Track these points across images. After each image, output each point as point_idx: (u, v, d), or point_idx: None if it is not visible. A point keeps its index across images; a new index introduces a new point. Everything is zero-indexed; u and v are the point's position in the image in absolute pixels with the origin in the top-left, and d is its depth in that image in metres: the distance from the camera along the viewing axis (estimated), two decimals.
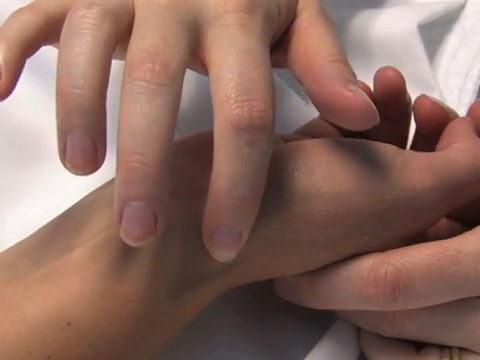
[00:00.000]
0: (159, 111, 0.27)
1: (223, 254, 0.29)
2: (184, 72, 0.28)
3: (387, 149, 0.32)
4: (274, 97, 0.28)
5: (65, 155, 0.27)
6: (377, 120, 0.30)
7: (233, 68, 0.28)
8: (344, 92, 0.29)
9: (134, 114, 0.27)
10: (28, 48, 0.29)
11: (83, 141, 0.27)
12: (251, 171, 0.28)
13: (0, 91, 0.28)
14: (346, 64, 0.31)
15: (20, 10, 0.30)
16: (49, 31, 0.30)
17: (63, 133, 0.27)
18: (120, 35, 0.29)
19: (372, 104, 0.29)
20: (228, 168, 0.27)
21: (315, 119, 0.40)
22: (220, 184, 0.27)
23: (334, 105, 0.29)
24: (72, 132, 0.27)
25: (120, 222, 0.27)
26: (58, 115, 0.27)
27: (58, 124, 0.27)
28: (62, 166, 0.30)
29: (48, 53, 0.32)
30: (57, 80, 0.28)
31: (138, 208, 0.27)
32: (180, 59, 0.28)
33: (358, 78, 0.39)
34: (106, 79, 0.28)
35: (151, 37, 0.28)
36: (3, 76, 0.28)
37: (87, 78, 0.27)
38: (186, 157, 0.32)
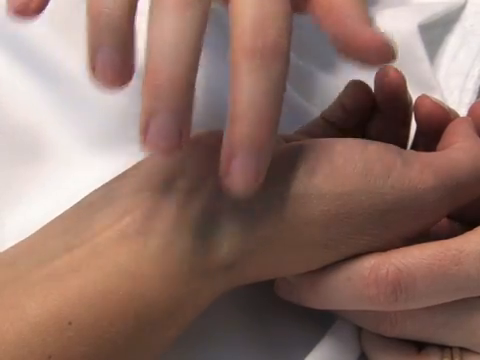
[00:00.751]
0: (188, 26, 0.27)
1: (241, 184, 0.28)
2: None
3: (388, 149, 0.32)
4: (290, 30, 0.29)
5: (95, 71, 0.28)
6: (396, 57, 0.30)
7: (252, 3, 0.28)
8: (365, 30, 0.29)
9: (162, 29, 0.27)
10: None
11: (112, 57, 0.28)
12: (266, 95, 0.28)
13: (34, 7, 0.29)
14: (365, 4, 0.31)
15: None
16: None
17: (93, 51, 0.28)
18: None
19: (391, 41, 0.30)
20: (242, 92, 0.28)
21: (316, 119, 0.40)
22: (237, 110, 0.28)
23: (356, 43, 0.30)
24: (102, 49, 0.28)
25: (146, 136, 0.27)
26: (89, 34, 0.28)
27: (88, 42, 0.28)
28: (61, 165, 0.31)
29: (49, 54, 0.32)
30: (87, 1, 0.28)
31: (163, 121, 0.27)
32: None
33: (359, 78, 0.39)
34: (135, 2, 0.28)
35: None
36: None
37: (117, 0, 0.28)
38: (198, 157, 0.32)
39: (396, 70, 0.38)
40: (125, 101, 0.38)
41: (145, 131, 0.27)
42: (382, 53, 0.30)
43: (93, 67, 0.28)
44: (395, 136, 0.39)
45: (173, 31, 0.27)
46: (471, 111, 0.39)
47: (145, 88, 0.27)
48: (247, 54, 0.28)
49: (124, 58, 0.28)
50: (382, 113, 0.39)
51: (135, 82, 0.37)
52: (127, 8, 0.28)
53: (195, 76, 0.27)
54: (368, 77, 0.39)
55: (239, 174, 0.28)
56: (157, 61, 0.27)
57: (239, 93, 0.28)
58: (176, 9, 0.27)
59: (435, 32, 0.46)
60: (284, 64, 0.28)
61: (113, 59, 0.28)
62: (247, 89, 0.28)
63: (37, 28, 0.38)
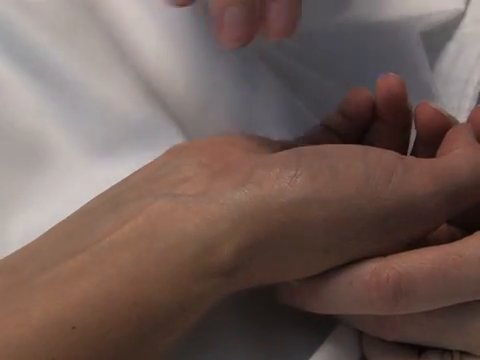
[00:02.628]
0: None
1: (283, 28, 0.31)
2: None
3: (388, 155, 0.32)
4: None
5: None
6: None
7: None
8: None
9: None
10: None
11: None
12: None
13: None
14: None
15: None
16: None
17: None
18: None
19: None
20: None
21: (316, 126, 0.40)
22: None
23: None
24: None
25: (222, 28, 0.30)
26: None
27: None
28: (65, 171, 0.31)
29: (52, 60, 0.32)
30: None
31: (235, 12, 0.29)
32: None
33: (359, 85, 0.39)
34: None
35: None
36: None
37: None
38: (202, 161, 0.32)
39: (397, 77, 0.38)
40: (128, 107, 0.38)
41: (220, 24, 0.30)
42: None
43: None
44: (395, 142, 0.39)
45: None
46: (471, 117, 0.39)
47: None
48: None
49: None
50: (382, 119, 0.39)
51: (137, 86, 0.38)
52: None
53: None
54: (369, 84, 0.39)
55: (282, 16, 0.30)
56: None
57: None
58: None
59: (435, 39, 0.47)
60: None
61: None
62: None
63: (40, 34, 0.38)
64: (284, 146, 0.35)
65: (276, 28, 0.31)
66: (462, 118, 0.43)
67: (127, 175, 0.33)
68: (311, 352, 0.34)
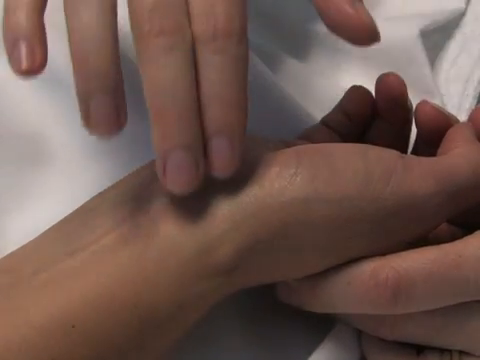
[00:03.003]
0: (177, 67, 0.28)
1: (222, 168, 0.30)
2: None
3: (388, 154, 0.32)
4: (244, 3, 0.29)
5: (89, 121, 0.28)
6: (378, 39, 0.30)
7: None
8: (349, 10, 0.30)
9: (159, 75, 0.28)
10: (43, 9, 0.30)
11: (106, 105, 0.28)
12: (228, 78, 0.29)
13: (38, 64, 0.29)
14: None
15: None
16: None
17: (84, 99, 0.28)
18: None
19: (374, 23, 0.30)
20: (203, 78, 0.29)
21: (316, 125, 0.40)
22: (205, 90, 0.29)
23: (340, 22, 0.30)
24: (94, 97, 0.28)
25: (165, 174, 0.29)
26: (77, 82, 0.28)
27: (78, 91, 0.28)
28: (64, 171, 0.31)
29: (52, 61, 0.32)
30: (71, 49, 0.28)
31: (179, 157, 0.28)
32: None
33: (359, 83, 0.39)
34: (117, 42, 0.29)
35: None
36: (36, 47, 0.29)
37: (100, 44, 0.28)
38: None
39: (396, 76, 0.38)
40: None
41: (162, 169, 0.29)
42: (365, 34, 0.30)
43: (87, 117, 0.28)
44: (395, 141, 0.39)
45: (165, 75, 0.28)
46: (471, 117, 0.39)
47: (156, 129, 0.28)
48: (199, 39, 0.28)
49: (118, 103, 0.28)
50: (382, 118, 0.39)
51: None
52: (112, 51, 0.28)
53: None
54: (369, 83, 0.39)
55: (221, 157, 0.29)
56: (158, 101, 0.28)
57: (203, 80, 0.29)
58: (164, 54, 0.28)
59: (435, 38, 0.46)
60: (239, 41, 0.29)
61: (107, 106, 0.28)
62: (210, 74, 0.29)
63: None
64: (284, 145, 0.35)
65: (217, 166, 0.30)
66: (463, 117, 0.43)
67: (126, 175, 0.33)
68: (311, 351, 0.35)
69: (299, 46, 0.45)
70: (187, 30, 0.28)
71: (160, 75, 0.28)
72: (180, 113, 0.28)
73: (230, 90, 0.29)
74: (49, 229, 0.32)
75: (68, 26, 0.28)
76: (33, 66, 0.29)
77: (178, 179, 0.29)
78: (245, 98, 0.29)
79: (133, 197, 0.31)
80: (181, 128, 0.28)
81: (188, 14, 0.29)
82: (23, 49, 0.28)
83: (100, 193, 0.33)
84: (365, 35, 0.30)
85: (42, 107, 0.38)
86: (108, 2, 0.28)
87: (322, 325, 0.35)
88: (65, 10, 0.29)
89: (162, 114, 0.28)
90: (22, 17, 0.29)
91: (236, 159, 0.30)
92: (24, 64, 0.28)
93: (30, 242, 0.32)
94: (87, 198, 0.33)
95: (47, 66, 0.33)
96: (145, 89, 0.28)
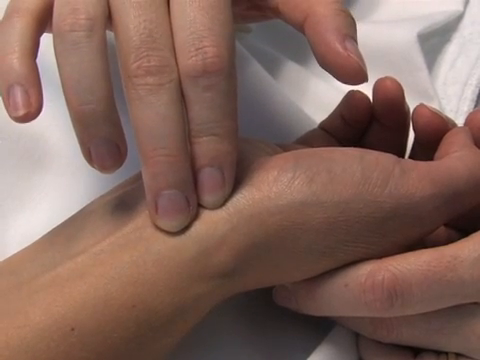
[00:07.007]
0: (165, 105, 0.29)
1: (211, 193, 0.30)
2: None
3: (386, 158, 0.32)
4: (232, 36, 0.30)
5: (92, 163, 0.30)
6: (366, 79, 0.31)
7: (185, 15, 0.29)
8: (339, 49, 0.30)
9: (147, 115, 0.29)
10: (35, 52, 0.30)
11: (107, 148, 0.29)
12: (218, 114, 0.30)
13: (35, 109, 0.29)
14: (347, 15, 0.32)
15: (6, 19, 0.30)
16: (42, 27, 0.31)
17: (85, 145, 0.29)
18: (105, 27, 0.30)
19: (363, 64, 0.31)
20: (194, 113, 0.29)
21: (314, 129, 0.40)
22: (195, 127, 0.30)
23: (330, 60, 0.31)
24: (94, 142, 0.29)
25: (157, 212, 0.30)
26: (77, 131, 0.29)
27: (79, 139, 0.29)
28: (65, 173, 0.31)
29: (48, 60, 0.32)
30: (66, 99, 0.29)
31: (171, 196, 0.29)
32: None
33: (357, 88, 0.39)
34: (111, 86, 0.29)
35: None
36: (31, 92, 0.29)
37: (95, 92, 0.28)
38: None
39: (394, 80, 0.38)
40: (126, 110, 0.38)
41: (154, 208, 0.30)
42: (353, 74, 0.31)
43: (90, 160, 0.29)
44: (393, 145, 0.39)
45: (156, 115, 0.29)
46: (468, 120, 0.38)
47: (146, 170, 0.29)
48: (189, 75, 0.29)
49: (117, 144, 0.29)
50: (380, 122, 0.39)
51: None
52: (108, 98, 0.29)
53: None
54: (367, 87, 0.39)
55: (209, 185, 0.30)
56: (149, 142, 0.29)
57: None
58: (153, 93, 0.29)
59: (434, 41, 0.46)
60: (228, 75, 0.29)
61: (107, 150, 0.29)
62: (199, 111, 0.29)
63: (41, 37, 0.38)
64: (282, 149, 0.35)
65: (208, 201, 0.31)
66: (460, 121, 0.43)
67: (127, 177, 0.34)
68: (309, 352, 0.35)
69: (299, 50, 0.45)
70: (173, 67, 0.29)
71: (148, 115, 0.29)
72: (169, 154, 0.29)
73: (220, 125, 0.30)
74: (49, 232, 0.32)
75: (61, 75, 0.29)
76: (29, 112, 0.29)
77: (170, 217, 0.30)
78: (235, 130, 0.30)
79: (132, 200, 0.32)
80: (171, 169, 0.29)
81: (173, 48, 0.29)
82: (18, 95, 0.29)
83: (100, 197, 0.33)
84: (352, 75, 0.31)
85: (44, 110, 0.38)
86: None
87: (320, 327, 0.35)
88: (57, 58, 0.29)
89: (151, 155, 0.29)
90: (15, 61, 0.29)
91: (227, 189, 0.30)
92: (21, 111, 0.29)
93: (30, 245, 0.32)
94: (87, 201, 0.33)
95: (47, 68, 0.33)
96: (133, 128, 0.29)
